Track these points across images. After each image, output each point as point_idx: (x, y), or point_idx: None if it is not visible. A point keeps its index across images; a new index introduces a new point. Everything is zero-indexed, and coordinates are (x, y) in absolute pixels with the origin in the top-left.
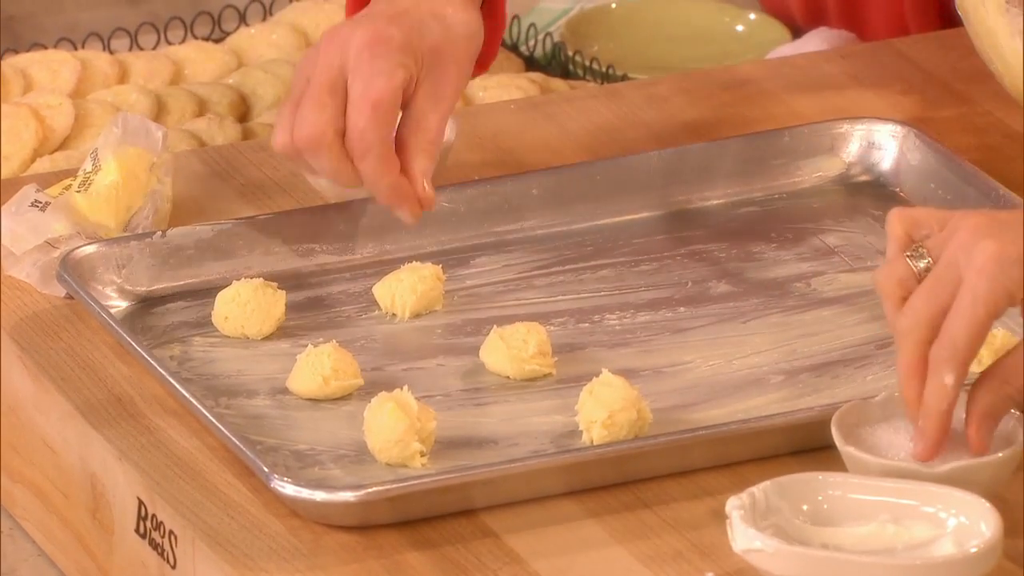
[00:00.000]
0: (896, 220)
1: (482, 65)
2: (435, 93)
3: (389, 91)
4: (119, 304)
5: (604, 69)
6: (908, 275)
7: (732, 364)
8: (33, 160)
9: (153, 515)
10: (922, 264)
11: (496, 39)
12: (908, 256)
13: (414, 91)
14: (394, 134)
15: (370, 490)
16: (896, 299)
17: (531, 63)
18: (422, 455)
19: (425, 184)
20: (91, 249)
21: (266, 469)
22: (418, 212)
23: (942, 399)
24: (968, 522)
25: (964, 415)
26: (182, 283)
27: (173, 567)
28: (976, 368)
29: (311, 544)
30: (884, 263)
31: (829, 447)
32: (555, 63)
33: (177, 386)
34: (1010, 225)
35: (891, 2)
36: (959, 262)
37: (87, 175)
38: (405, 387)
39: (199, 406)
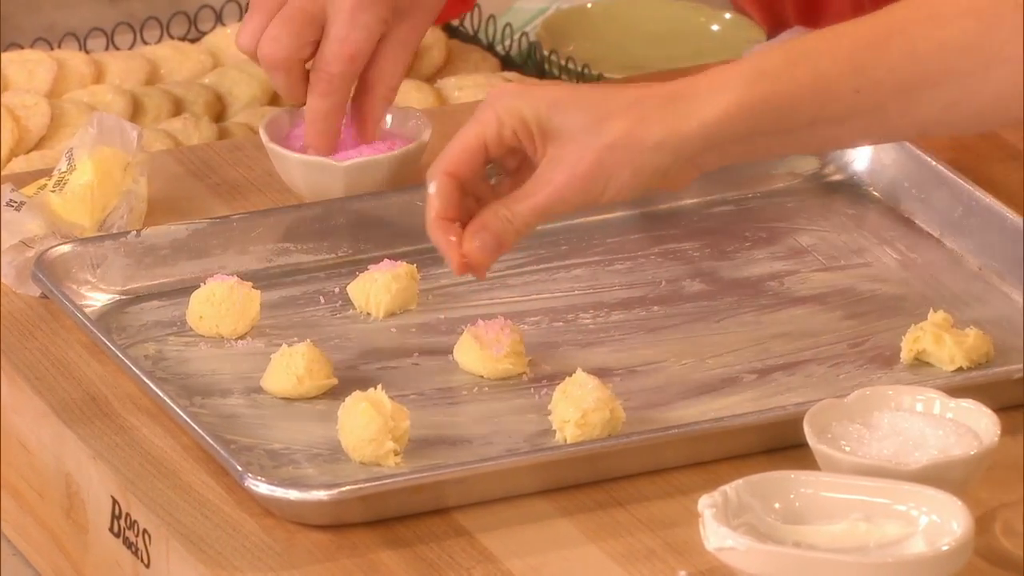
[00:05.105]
0: None
1: (447, 12)
2: (403, 41)
3: (367, 47)
4: (94, 303)
5: (580, 69)
6: None
7: (705, 363)
8: (8, 160)
9: (127, 514)
10: None
11: None
12: None
13: (383, 37)
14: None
15: (343, 489)
16: None
17: (507, 63)
18: (396, 454)
19: (375, 129)
20: (66, 249)
21: (240, 468)
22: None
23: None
24: (940, 520)
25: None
26: (157, 282)
27: (147, 566)
28: (949, 367)
29: (285, 543)
30: None
31: (802, 445)
32: (531, 63)
33: (151, 385)
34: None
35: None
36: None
37: (62, 175)
38: (379, 386)
39: (173, 405)
